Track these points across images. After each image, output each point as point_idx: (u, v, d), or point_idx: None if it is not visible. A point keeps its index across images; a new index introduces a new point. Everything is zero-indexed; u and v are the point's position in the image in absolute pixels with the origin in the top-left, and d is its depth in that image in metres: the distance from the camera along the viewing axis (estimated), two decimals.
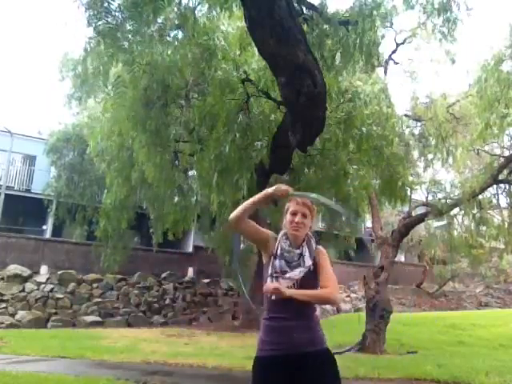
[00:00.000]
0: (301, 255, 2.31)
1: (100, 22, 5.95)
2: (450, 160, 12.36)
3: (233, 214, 2.31)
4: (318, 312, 2.36)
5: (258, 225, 2.42)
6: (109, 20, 5.95)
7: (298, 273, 2.25)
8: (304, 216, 2.34)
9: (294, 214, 2.34)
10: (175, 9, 6.97)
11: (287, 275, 2.25)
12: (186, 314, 15.44)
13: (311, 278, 2.27)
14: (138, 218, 13.75)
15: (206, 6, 7.24)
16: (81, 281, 14.77)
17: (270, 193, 2.28)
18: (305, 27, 6.82)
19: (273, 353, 2.16)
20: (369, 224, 17.11)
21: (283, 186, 2.31)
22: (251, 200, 2.33)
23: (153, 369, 6.88)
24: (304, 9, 7.05)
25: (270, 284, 2.21)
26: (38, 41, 48.93)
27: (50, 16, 53.55)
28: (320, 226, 16.31)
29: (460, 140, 12.17)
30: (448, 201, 10.95)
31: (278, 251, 2.31)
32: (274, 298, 2.20)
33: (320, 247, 2.39)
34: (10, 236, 15.33)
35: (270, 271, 2.28)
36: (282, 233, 2.38)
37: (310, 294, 2.20)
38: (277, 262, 2.28)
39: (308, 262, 2.29)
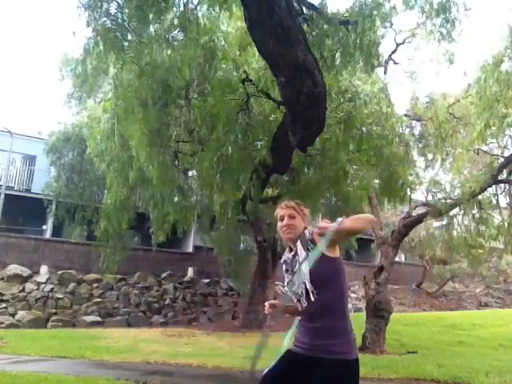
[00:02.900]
0: (295, 255, 2.22)
1: (99, 23, 5.95)
2: (450, 160, 12.36)
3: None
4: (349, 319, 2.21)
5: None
6: (108, 21, 5.95)
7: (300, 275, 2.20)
8: (292, 217, 2.27)
9: (281, 219, 2.29)
10: (175, 9, 6.97)
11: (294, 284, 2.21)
12: (186, 313, 15.44)
13: (321, 264, 2.09)
14: (138, 218, 13.73)
15: (206, 6, 7.23)
16: (81, 281, 14.76)
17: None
18: (305, 27, 6.81)
19: (296, 349, 2.21)
20: None
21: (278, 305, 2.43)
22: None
23: (153, 369, 6.88)
24: (304, 9, 7.04)
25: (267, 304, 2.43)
26: (38, 41, 48.96)
27: (50, 16, 53.58)
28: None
29: (460, 140, 12.18)
30: (448, 201, 10.95)
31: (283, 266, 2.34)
32: (304, 306, 2.19)
33: (313, 229, 2.18)
34: (10, 236, 15.32)
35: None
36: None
37: (349, 220, 2.06)
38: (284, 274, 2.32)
39: (302, 253, 2.17)
